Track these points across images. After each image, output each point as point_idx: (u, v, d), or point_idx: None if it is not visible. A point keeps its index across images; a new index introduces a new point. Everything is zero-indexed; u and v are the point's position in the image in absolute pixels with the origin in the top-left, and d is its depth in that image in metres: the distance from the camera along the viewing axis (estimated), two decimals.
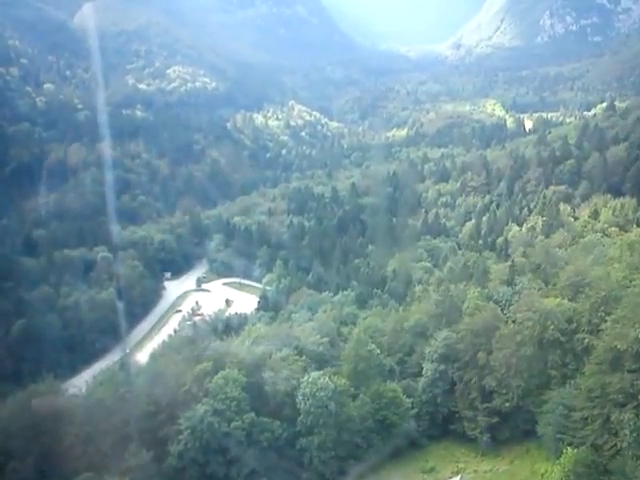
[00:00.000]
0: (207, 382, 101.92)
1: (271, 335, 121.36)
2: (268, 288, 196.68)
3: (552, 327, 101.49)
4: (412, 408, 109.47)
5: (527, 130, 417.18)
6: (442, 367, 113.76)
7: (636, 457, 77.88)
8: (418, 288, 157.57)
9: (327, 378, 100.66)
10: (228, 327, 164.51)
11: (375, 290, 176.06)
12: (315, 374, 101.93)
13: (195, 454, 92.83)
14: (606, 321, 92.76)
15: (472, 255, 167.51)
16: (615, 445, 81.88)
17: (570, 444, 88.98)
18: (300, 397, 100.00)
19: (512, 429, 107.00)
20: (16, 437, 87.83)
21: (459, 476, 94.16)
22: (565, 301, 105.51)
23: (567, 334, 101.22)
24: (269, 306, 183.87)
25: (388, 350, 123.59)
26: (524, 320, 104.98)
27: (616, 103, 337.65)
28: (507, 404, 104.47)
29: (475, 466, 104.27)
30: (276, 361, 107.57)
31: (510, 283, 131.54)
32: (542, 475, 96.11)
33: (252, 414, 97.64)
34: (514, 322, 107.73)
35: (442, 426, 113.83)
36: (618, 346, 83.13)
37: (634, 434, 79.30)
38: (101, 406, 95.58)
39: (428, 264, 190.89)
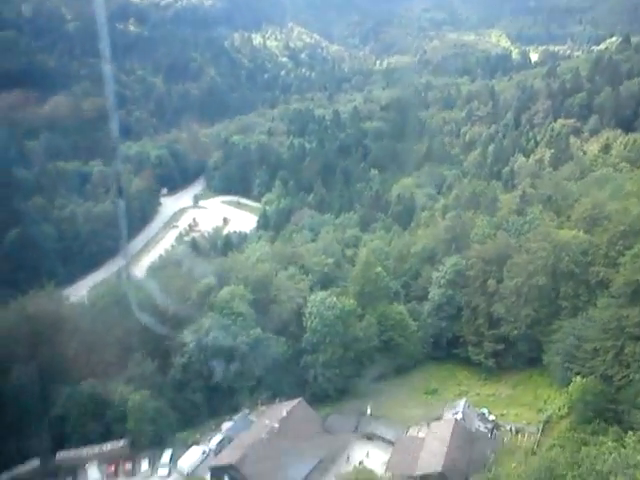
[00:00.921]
0: (212, 297, 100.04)
1: (275, 254, 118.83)
2: (267, 207, 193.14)
3: (567, 258, 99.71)
4: (417, 331, 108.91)
5: (533, 62, 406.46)
6: (450, 292, 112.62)
7: None
8: (424, 214, 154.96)
9: (334, 298, 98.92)
10: (227, 244, 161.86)
11: (378, 214, 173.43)
12: (322, 294, 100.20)
13: (199, 367, 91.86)
14: (624, 255, 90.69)
15: (479, 183, 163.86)
16: (626, 376, 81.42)
17: (578, 373, 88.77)
18: (307, 315, 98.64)
19: (516, 356, 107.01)
20: (19, 342, 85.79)
21: (464, 399, 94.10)
22: (581, 233, 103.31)
23: (581, 266, 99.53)
24: (269, 225, 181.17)
25: (394, 273, 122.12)
26: (538, 250, 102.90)
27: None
28: (515, 332, 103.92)
29: (478, 389, 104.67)
30: (282, 279, 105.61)
31: (520, 213, 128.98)
32: (545, 401, 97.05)
33: (258, 330, 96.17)
34: (527, 252, 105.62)
35: (446, 350, 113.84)
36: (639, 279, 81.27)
37: None
38: (104, 316, 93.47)
39: (432, 191, 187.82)
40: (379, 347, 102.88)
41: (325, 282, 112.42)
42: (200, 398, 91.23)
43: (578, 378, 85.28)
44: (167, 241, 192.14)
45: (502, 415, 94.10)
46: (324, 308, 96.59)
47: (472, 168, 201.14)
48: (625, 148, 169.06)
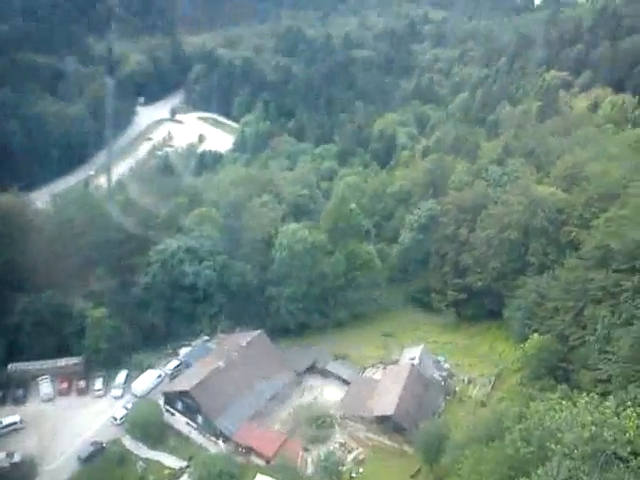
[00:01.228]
0: (182, 218, 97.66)
1: (251, 179, 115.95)
2: (246, 129, 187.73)
3: (542, 215, 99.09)
4: (383, 273, 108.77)
5: (535, 5, 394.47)
6: (420, 237, 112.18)
7: (602, 351, 78.73)
8: (404, 153, 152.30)
9: (306, 231, 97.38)
10: (202, 163, 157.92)
11: (358, 148, 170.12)
12: (294, 225, 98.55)
13: (163, 288, 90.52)
14: (598, 217, 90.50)
15: (463, 128, 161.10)
16: (582, 337, 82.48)
17: (536, 331, 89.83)
18: (276, 246, 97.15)
19: (477, 308, 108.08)
20: None
21: (422, 345, 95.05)
22: (559, 191, 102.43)
23: (555, 224, 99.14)
24: (246, 148, 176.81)
25: (367, 212, 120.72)
26: (514, 203, 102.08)
27: None
28: (479, 283, 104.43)
29: (436, 337, 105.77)
30: (255, 206, 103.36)
31: (501, 163, 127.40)
32: (500, 354, 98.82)
33: (225, 256, 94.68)
34: (503, 204, 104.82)
35: (408, 295, 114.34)
36: (611, 245, 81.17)
37: (605, 330, 79.65)
38: (69, 226, 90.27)
39: (414, 131, 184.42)
40: (344, 285, 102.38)
41: (298, 214, 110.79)
42: (160, 320, 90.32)
43: (535, 335, 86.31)
44: (140, 153, 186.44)
45: (457, 365, 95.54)
46: (294, 240, 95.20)
47: (458, 111, 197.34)
48: (612, 109, 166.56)
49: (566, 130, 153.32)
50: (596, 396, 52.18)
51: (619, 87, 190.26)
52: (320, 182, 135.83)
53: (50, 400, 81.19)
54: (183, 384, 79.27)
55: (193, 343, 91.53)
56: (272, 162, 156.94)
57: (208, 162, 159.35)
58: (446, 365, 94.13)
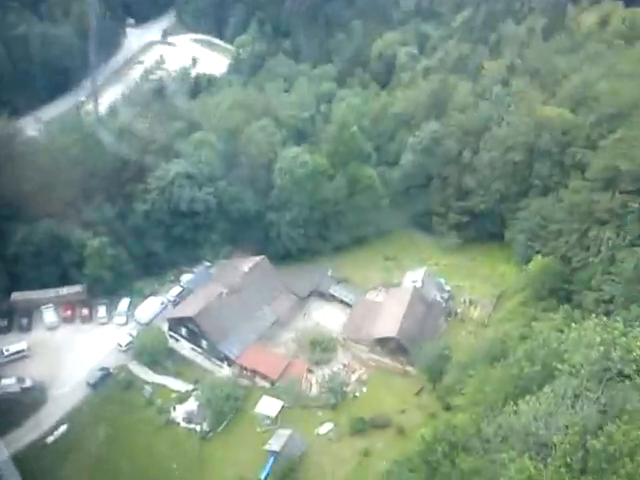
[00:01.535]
0: (179, 143, 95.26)
1: (249, 103, 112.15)
2: (241, 50, 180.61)
3: (547, 137, 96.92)
4: (384, 197, 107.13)
5: None
6: (422, 160, 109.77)
7: (605, 273, 78.73)
8: (405, 74, 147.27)
9: (307, 156, 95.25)
10: (196, 87, 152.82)
11: (357, 69, 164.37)
12: (295, 149, 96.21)
13: (162, 215, 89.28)
14: (606, 138, 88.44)
15: (465, 47, 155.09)
16: (585, 259, 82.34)
17: (539, 252, 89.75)
18: (277, 171, 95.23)
19: (478, 230, 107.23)
20: None
21: (424, 268, 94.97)
22: (566, 112, 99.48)
23: (560, 146, 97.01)
24: (241, 70, 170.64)
25: (368, 135, 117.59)
26: (520, 125, 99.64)
27: None
28: (482, 206, 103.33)
29: (437, 259, 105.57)
30: (254, 131, 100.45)
31: (505, 83, 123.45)
32: (502, 276, 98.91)
33: (224, 182, 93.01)
34: (508, 125, 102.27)
35: (409, 218, 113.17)
36: (620, 166, 79.54)
37: (609, 252, 79.41)
38: (64, 154, 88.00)
39: (414, 50, 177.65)
40: (345, 209, 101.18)
41: (298, 138, 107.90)
42: (160, 248, 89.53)
43: (539, 257, 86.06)
44: (131, 78, 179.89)
45: (458, 286, 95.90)
46: (296, 165, 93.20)
47: (460, 29, 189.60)
48: (623, 24, 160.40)
49: (573, 48, 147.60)
50: (604, 317, 52.08)
51: (630, 0, 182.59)
52: (320, 105, 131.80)
53: (55, 328, 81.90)
54: (187, 310, 79.61)
55: (194, 270, 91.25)
56: (269, 84, 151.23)
57: (203, 85, 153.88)
58: (447, 287, 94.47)
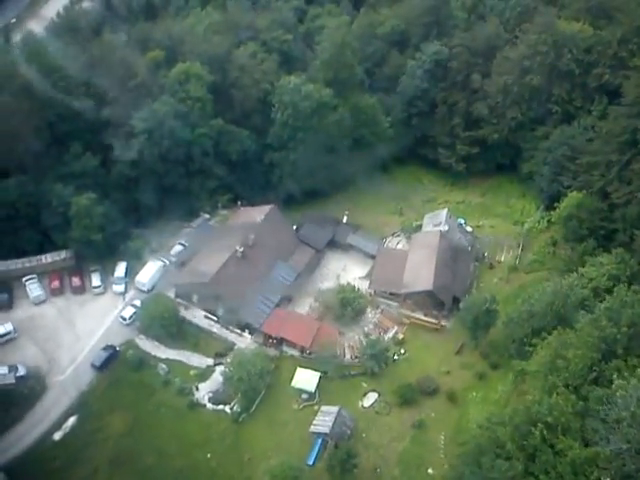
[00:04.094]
0: (161, 76, 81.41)
1: (229, 23, 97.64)
2: None
3: (569, 56, 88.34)
4: (389, 128, 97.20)
5: None
6: (425, 85, 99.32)
7: None
8: None
9: (311, 86, 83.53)
10: (149, 7, 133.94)
11: None
12: (296, 80, 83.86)
13: (153, 163, 76.48)
14: (638, 56, 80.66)
15: None
16: (629, 194, 75.63)
17: (568, 187, 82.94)
18: (277, 105, 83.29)
19: (487, 162, 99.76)
20: None
21: (445, 209, 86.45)
22: (587, 27, 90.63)
23: (582, 66, 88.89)
24: None
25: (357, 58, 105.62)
26: (537, 44, 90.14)
27: None
28: (495, 135, 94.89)
29: (446, 196, 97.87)
30: (243, 58, 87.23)
31: None
32: (521, 212, 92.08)
33: (219, 120, 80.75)
34: (524, 44, 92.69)
35: (410, 150, 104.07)
36: None
37: None
38: (25, 93, 71.89)
39: None
40: (351, 145, 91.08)
41: (289, 63, 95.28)
42: (152, 200, 77.14)
43: (575, 192, 78.94)
44: None
45: (478, 226, 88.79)
46: (299, 97, 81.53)
47: None
48: None
49: None
50: None
51: None
52: (298, 24, 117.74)
53: (42, 302, 69.95)
54: (199, 273, 69.27)
55: (193, 224, 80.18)
56: (230, 2, 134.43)
57: (157, 5, 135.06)
58: (469, 228, 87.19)
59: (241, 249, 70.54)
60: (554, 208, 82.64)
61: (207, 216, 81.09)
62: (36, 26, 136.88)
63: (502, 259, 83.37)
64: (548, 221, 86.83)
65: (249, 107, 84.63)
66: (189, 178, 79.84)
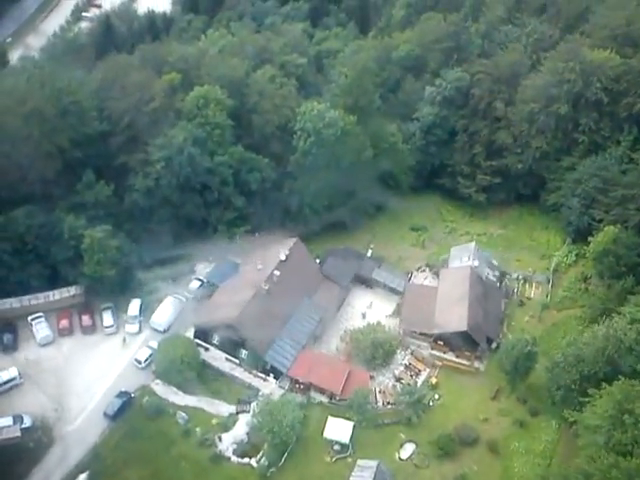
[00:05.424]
0: (178, 100, 77.11)
1: (244, 45, 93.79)
2: None
3: (598, 85, 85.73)
4: (408, 157, 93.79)
5: None
6: (444, 112, 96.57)
7: None
8: (398, 12, 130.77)
9: (336, 112, 79.71)
10: (152, 28, 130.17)
11: (330, 6, 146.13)
12: (318, 105, 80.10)
13: (170, 192, 71.87)
14: None
15: None
16: None
17: (600, 221, 79.75)
18: (299, 132, 79.21)
19: (508, 193, 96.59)
20: None
21: (473, 243, 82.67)
22: (613, 55, 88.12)
23: (611, 95, 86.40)
24: (198, 8, 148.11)
25: None
26: (564, 72, 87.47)
27: None
28: (519, 165, 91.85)
29: (466, 227, 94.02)
30: (261, 82, 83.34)
31: (508, 21, 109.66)
32: (548, 246, 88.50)
33: (240, 148, 76.51)
34: (550, 72, 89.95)
35: (427, 179, 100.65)
36: None
37: None
38: (36, 118, 67.24)
39: None
40: (372, 174, 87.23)
41: (305, 90, 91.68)
42: (167, 232, 72.09)
43: (610, 227, 75.50)
44: (61, 15, 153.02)
45: (503, 260, 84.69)
46: (322, 125, 77.61)
47: None
48: None
49: None
50: None
51: None
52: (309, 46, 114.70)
53: (49, 343, 64.34)
54: (222, 313, 64.32)
55: (211, 257, 75.33)
56: (235, 24, 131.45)
57: (159, 26, 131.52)
58: (495, 262, 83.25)
59: (266, 286, 65.77)
60: (583, 242, 79.68)
61: (225, 248, 76.19)
62: (35, 41, 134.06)
63: (532, 295, 79.57)
64: (576, 255, 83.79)
65: (268, 133, 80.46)
66: (207, 209, 75.16)
